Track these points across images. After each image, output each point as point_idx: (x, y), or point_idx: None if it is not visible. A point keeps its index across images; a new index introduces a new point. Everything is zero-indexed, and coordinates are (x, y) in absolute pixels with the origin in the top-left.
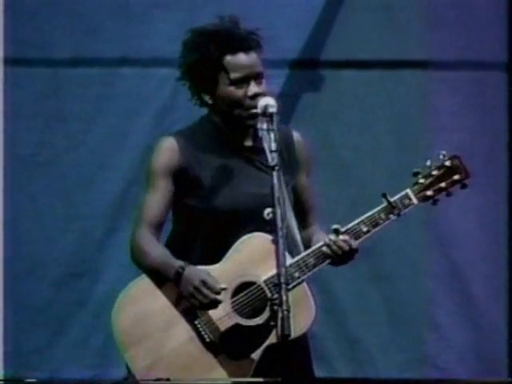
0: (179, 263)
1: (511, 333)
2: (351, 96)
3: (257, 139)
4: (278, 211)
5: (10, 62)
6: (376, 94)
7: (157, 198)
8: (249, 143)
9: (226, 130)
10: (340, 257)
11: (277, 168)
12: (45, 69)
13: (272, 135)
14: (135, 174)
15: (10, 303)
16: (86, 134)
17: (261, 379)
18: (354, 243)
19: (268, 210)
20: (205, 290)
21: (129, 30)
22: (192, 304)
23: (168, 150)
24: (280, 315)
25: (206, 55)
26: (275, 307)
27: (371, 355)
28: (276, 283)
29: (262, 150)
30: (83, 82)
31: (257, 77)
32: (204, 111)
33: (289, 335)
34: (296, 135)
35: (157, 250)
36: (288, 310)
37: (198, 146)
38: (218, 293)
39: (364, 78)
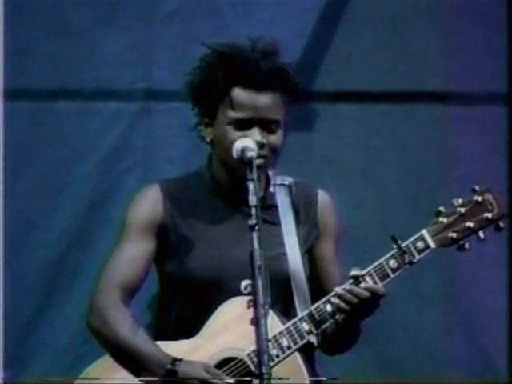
0: (167, 360)
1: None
2: (351, 136)
3: (267, 193)
4: (259, 283)
5: None
6: (382, 135)
7: (133, 255)
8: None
9: (226, 180)
10: (358, 307)
11: (257, 228)
12: None
13: (251, 186)
14: (75, 235)
15: None
16: (13, 184)
17: None
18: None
19: (245, 282)
20: None
21: (66, 54)
22: None
23: (150, 202)
24: None
25: (210, 80)
26: None
27: None
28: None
29: (273, 206)
30: (10, 120)
31: (265, 123)
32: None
33: None
34: (322, 195)
35: (131, 331)
36: None
37: (188, 200)
38: None
39: (367, 113)
